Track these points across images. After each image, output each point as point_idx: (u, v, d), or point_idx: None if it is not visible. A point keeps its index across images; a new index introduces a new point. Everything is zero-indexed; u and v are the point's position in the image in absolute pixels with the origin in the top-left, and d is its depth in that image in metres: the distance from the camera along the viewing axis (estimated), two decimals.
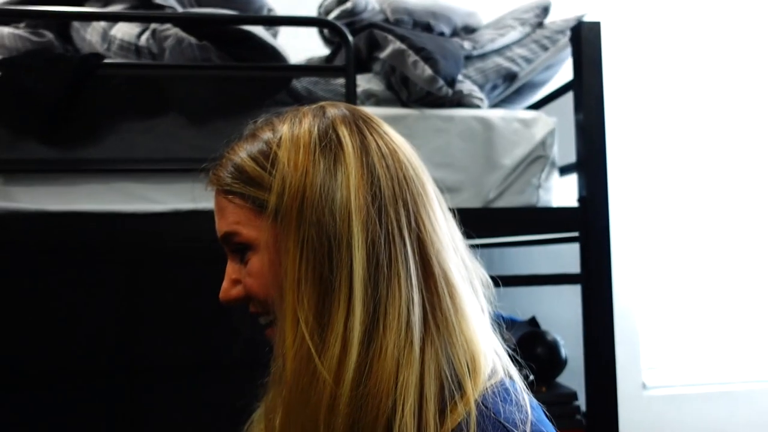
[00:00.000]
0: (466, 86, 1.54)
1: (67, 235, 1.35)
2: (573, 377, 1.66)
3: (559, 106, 1.69)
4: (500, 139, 1.48)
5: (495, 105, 1.70)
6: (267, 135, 0.71)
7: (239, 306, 0.72)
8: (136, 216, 1.33)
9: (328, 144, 0.67)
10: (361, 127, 0.69)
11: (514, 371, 0.67)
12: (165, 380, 1.68)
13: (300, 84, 1.49)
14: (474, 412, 0.59)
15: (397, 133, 0.72)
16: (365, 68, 1.60)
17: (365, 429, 0.59)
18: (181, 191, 1.35)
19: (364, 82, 1.56)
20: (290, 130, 0.70)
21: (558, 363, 1.65)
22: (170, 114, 1.37)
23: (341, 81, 1.50)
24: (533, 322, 1.95)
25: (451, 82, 1.43)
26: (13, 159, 1.32)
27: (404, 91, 1.53)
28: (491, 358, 0.65)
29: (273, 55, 1.43)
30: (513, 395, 0.62)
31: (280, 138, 0.69)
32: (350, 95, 1.41)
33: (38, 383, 1.60)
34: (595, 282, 1.44)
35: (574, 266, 1.50)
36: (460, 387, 0.61)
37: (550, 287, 2.05)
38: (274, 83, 1.44)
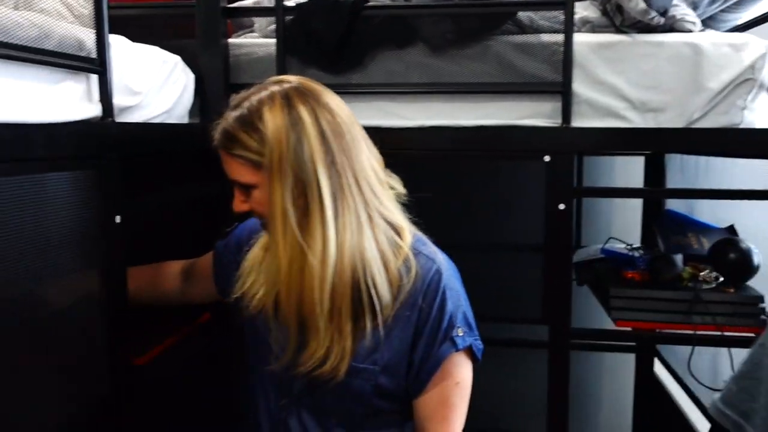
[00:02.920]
0: (680, 11, 1.66)
1: None
2: (764, 283, 1.81)
3: None
4: (708, 63, 1.61)
5: (710, 17, 1.79)
6: (251, 111, 1.04)
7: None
8: (391, 129, 1.71)
9: (292, 117, 1.03)
10: (310, 100, 1.05)
11: (421, 235, 1.15)
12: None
13: (523, 14, 1.72)
14: (409, 253, 1.09)
15: (334, 97, 1.09)
16: None
17: (343, 292, 1.04)
18: (425, 110, 1.70)
19: (581, 10, 1.74)
20: (268, 108, 1.04)
21: (748, 268, 1.80)
22: (418, 45, 1.70)
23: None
24: (731, 230, 2.07)
25: (663, 12, 1.58)
26: None
27: (618, 17, 1.69)
28: (408, 230, 1.12)
29: None
30: (425, 243, 1.14)
31: (261, 114, 1.04)
32: (568, 23, 1.63)
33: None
34: None
35: None
36: (397, 244, 1.10)
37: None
38: (502, 16, 1.69)
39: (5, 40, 0.94)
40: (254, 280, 1.17)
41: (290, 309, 1.07)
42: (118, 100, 1.21)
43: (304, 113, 1.04)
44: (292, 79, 1.10)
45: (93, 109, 1.13)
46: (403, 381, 1.12)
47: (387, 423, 1.16)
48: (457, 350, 1.11)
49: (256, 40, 1.82)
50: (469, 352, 1.14)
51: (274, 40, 1.74)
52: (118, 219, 1.14)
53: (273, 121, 1.03)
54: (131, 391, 1.21)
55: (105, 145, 1.13)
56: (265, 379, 1.19)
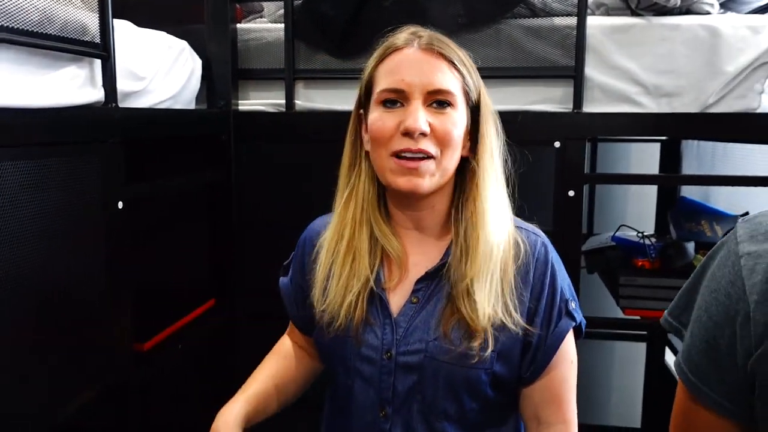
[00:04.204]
0: None
1: None
2: None
3: None
4: (726, 46, 1.56)
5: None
6: (448, 38, 1.04)
7: None
8: None
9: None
10: None
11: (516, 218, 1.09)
12: None
13: None
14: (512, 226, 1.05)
15: None
16: None
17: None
18: None
19: None
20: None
21: None
22: (428, 29, 1.66)
23: None
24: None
25: None
26: (311, 69, 1.73)
27: (634, 0, 1.65)
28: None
29: None
30: (523, 221, 1.09)
31: (457, 45, 1.03)
32: (582, 6, 1.59)
33: None
34: None
35: None
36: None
37: None
38: None
39: (7, 24, 0.93)
40: (331, 299, 1.03)
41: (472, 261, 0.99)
42: (122, 86, 1.21)
43: None
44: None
45: (96, 94, 1.13)
46: (517, 368, 1.02)
47: (499, 420, 1.07)
48: (576, 325, 1.04)
49: (265, 25, 1.81)
50: (577, 328, 1.06)
51: (282, 25, 1.72)
52: (120, 205, 1.13)
53: (467, 55, 1.04)
54: (136, 376, 1.21)
55: (107, 130, 1.12)
56: (359, 393, 1.04)
